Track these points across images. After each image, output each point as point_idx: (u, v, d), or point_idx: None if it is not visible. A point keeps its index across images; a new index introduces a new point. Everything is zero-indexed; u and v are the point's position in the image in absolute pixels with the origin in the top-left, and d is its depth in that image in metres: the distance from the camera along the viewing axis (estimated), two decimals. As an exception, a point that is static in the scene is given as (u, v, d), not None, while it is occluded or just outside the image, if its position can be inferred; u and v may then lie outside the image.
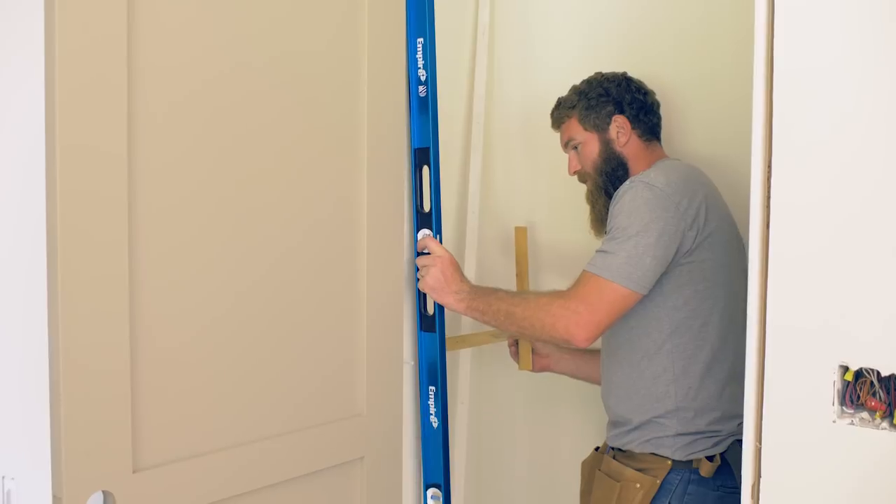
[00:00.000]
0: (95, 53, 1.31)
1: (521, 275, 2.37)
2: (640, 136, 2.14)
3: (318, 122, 1.70)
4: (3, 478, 1.37)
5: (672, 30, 2.38)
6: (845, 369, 1.31)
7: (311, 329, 1.70)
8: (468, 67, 2.74)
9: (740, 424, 1.84)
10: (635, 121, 2.14)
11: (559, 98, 2.24)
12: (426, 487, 1.97)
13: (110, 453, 1.34)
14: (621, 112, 2.13)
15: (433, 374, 1.97)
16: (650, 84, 2.23)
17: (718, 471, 1.93)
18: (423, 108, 1.95)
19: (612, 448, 2.07)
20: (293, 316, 1.66)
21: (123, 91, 1.34)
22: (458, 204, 2.67)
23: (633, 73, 2.26)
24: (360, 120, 1.79)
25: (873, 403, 1.30)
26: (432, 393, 1.96)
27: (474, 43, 2.73)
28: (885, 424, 1.28)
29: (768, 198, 1.38)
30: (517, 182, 2.69)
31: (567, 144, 2.21)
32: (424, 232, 1.97)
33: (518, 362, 2.32)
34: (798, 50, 1.34)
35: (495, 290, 2.02)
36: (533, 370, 2.33)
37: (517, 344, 2.33)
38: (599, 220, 2.12)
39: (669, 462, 1.93)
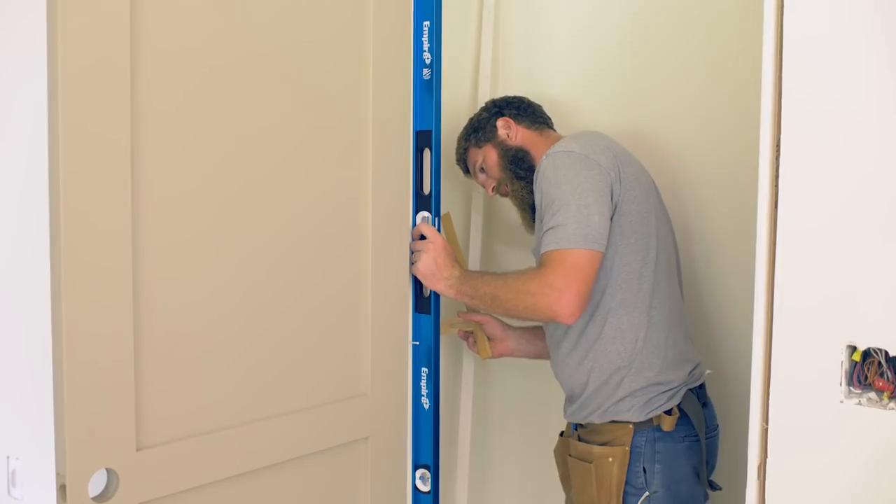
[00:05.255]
0: (98, 43, 1.30)
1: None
2: (528, 127, 2.25)
3: (323, 104, 1.70)
4: (8, 457, 1.37)
5: (680, 4, 2.36)
6: (853, 349, 1.31)
7: (316, 309, 1.70)
8: (473, 49, 2.72)
9: (691, 372, 1.99)
10: (518, 117, 2.26)
11: (457, 138, 2.37)
12: (415, 468, 1.96)
13: (114, 432, 1.34)
14: (501, 115, 2.26)
15: (427, 355, 1.97)
16: (659, 60, 2.31)
17: (680, 423, 1.97)
18: (427, 91, 1.95)
19: (575, 428, 2.10)
20: (297, 295, 1.66)
21: (127, 78, 1.34)
22: (462, 189, 2.66)
23: (639, 50, 2.33)
24: (365, 103, 1.79)
25: (881, 384, 1.30)
26: (425, 374, 1.97)
27: (479, 24, 2.71)
28: (892, 405, 1.28)
29: (776, 177, 1.37)
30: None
31: (478, 171, 2.31)
32: (423, 214, 1.96)
33: (478, 353, 2.33)
34: (807, 27, 1.33)
35: (482, 275, 2.03)
36: (493, 356, 2.34)
37: (471, 335, 2.35)
38: (531, 209, 2.19)
39: (631, 426, 1.95)
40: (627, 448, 1.94)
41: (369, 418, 1.82)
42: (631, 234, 1.96)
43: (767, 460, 1.40)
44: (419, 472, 1.96)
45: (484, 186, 2.33)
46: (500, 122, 2.25)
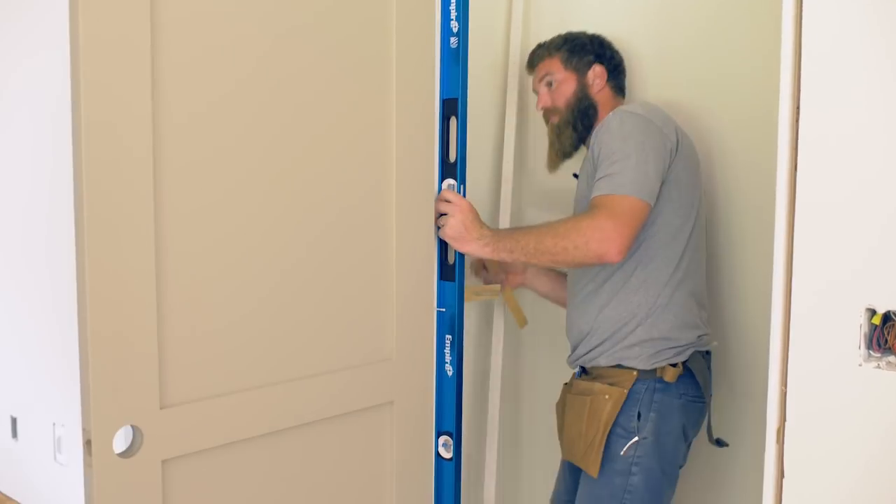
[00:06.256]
0: (120, 49, 1.32)
1: None
2: (611, 88, 2.32)
3: (347, 70, 1.70)
4: (54, 424, 1.41)
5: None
6: (872, 312, 1.30)
7: (341, 272, 1.72)
8: (505, 16, 2.72)
9: (700, 336, 2.09)
10: (610, 74, 2.31)
11: (539, 43, 2.38)
12: (438, 435, 1.98)
13: (138, 390, 1.37)
14: (600, 63, 2.30)
15: (451, 322, 1.98)
16: (684, 26, 2.37)
17: (681, 379, 2.07)
18: (454, 60, 1.94)
19: (581, 373, 2.21)
20: (323, 258, 1.68)
21: (148, 78, 1.36)
22: (493, 154, 2.67)
23: (666, 21, 2.37)
24: (388, 72, 1.79)
25: (901, 347, 1.29)
26: (448, 341, 1.97)
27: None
28: (912, 368, 1.27)
29: (796, 139, 1.36)
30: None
31: (542, 80, 2.34)
32: (449, 182, 1.97)
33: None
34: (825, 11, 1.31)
35: (516, 229, 2.08)
36: (511, 286, 2.52)
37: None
38: (561, 154, 2.31)
39: (635, 372, 2.06)
40: (626, 391, 2.04)
41: (394, 383, 1.84)
42: (677, 198, 2.07)
43: (786, 423, 1.39)
44: (442, 439, 1.98)
45: (537, 94, 2.37)
46: (596, 68, 2.29)
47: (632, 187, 1.95)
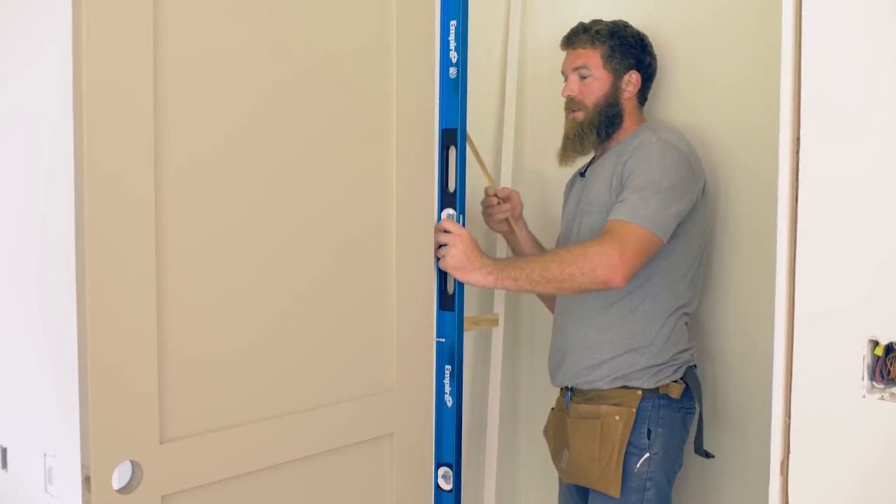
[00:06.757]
0: (122, 49, 1.32)
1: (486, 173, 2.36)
2: (639, 98, 2.29)
3: (348, 102, 1.71)
4: (45, 455, 1.39)
5: (705, 13, 2.37)
6: (875, 344, 1.29)
7: (341, 303, 1.71)
8: (501, 46, 2.73)
9: (693, 354, 2.18)
10: (643, 85, 2.29)
11: (584, 22, 2.30)
12: (437, 466, 1.97)
13: (138, 425, 1.36)
14: (638, 69, 2.26)
15: (451, 352, 1.97)
16: (682, 56, 2.38)
17: (683, 394, 2.14)
18: (454, 90, 1.95)
19: (574, 396, 2.23)
20: (323, 290, 1.67)
21: (150, 84, 1.35)
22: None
23: (673, 49, 2.40)
24: (389, 101, 1.79)
25: (904, 378, 1.29)
26: (448, 372, 1.97)
27: (507, 21, 2.72)
28: (915, 400, 1.27)
29: (797, 172, 1.36)
30: (549, 159, 2.67)
31: (576, 69, 2.27)
32: (448, 212, 1.97)
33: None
34: (826, 24, 1.32)
35: (519, 258, 2.12)
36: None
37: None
38: (580, 153, 2.28)
39: (640, 392, 2.11)
40: (634, 410, 2.09)
41: (395, 414, 1.83)
42: (692, 238, 2.14)
43: (790, 456, 1.39)
44: (441, 471, 1.96)
45: (566, 80, 2.30)
46: (633, 75, 2.25)
47: (652, 222, 1.98)
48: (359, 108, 1.73)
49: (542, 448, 2.67)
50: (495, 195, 2.32)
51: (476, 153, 2.23)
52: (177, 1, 1.40)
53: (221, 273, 1.49)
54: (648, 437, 2.08)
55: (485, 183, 2.35)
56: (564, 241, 2.34)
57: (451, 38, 1.95)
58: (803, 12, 1.33)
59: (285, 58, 1.58)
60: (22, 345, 1.42)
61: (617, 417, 2.08)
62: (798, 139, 1.35)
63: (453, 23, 1.95)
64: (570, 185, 2.44)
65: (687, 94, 2.40)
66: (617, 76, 2.24)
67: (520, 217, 2.40)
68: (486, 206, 2.36)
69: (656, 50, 2.32)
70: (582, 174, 2.35)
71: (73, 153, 1.28)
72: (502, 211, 2.34)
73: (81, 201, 1.28)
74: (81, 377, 1.29)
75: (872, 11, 1.28)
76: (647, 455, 2.08)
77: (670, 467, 2.13)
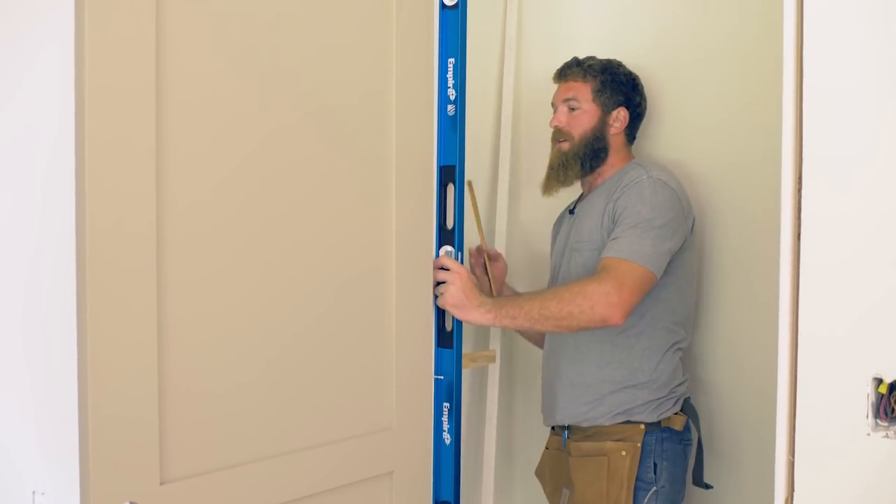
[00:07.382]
0: (125, 53, 1.32)
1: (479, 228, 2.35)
2: (626, 136, 2.31)
3: (348, 142, 1.71)
4: (34, 493, 1.38)
5: (701, 38, 2.40)
6: (879, 381, 1.29)
7: (341, 341, 1.70)
8: (496, 83, 2.74)
9: (687, 385, 2.19)
10: (631, 121, 2.31)
11: (578, 57, 2.33)
12: None
13: (137, 465, 1.34)
14: (627, 107, 2.29)
15: (449, 390, 1.96)
16: (676, 92, 2.39)
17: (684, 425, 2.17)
18: (452, 127, 1.96)
19: (572, 434, 2.21)
20: (321, 329, 1.66)
21: (152, 102, 1.36)
22: (486, 217, 2.67)
23: (663, 87, 2.38)
24: (388, 139, 1.80)
25: (908, 416, 1.28)
26: (446, 409, 1.96)
27: (502, 59, 2.74)
28: (920, 437, 1.26)
29: (799, 209, 1.37)
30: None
31: (565, 101, 2.30)
32: (447, 249, 1.96)
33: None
34: (827, 61, 1.33)
35: (517, 296, 2.11)
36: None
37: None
38: (563, 183, 2.30)
39: (643, 426, 2.11)
40: (639, 444, 2.09)
41: (394, 452, 1.82)
42: (683, 274, 2.17)
43: (794, 494, 1.38)
44: (440, 509, 1.95)
45: (554, 110, 2.34)
46: (621, 111, 2.28)
47: (648, 259, 2.00)
48: (359, 147, 1.74)
49: (538, 486, 2.65)
50: (486, 253, 2.32)
51: (475, 205, 2.25)
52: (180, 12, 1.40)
53: (222, 312, 1.48)
54: (655, 472, 2.09)
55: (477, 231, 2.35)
56: (554, 280, 2.35)
57: (450, 75, 1.96)
58: (804, 54, 1.34)
59: (287, 98, 1.59)
60: (19, 380, 1.41)
61: (623, 453, 2.08)
62: (800, 178, 1.35)
63: (451, 61, 1.96)
64: (559, 222, 2.45)
65: (675, 130, 2.42)
66: (605, 111, 2.27)
67: (503, 284, 2.40)
68: (474, 266, 2.36)
69: (646, 85, 2.35)
70: (571, 211, 2.35)
71: (75, 162, 1.27)
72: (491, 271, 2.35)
73: (83, 252, 1.27)
74: (81, 419, 1.28)
75: (876, 53, 1.29)
76: (655, 489, 2.08)
77: (675, 500, 2.14)
